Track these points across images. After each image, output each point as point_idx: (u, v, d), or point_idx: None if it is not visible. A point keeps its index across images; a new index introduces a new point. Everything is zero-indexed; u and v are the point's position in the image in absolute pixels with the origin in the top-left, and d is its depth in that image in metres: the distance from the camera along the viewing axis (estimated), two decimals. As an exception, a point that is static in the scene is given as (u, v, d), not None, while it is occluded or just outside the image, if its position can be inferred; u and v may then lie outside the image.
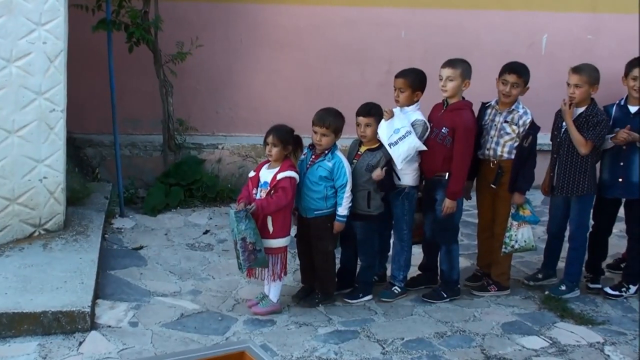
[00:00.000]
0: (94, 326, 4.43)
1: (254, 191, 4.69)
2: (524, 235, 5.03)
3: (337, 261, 5.08)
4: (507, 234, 5.04)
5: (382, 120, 4.77)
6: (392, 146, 4.73)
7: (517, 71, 4.96)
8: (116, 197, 6.44)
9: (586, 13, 7.79)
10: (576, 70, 4.98)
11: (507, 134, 4.97)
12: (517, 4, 7.67)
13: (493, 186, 5.04)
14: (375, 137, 4.83)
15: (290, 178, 4.62)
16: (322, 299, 4.92)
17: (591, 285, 5.33)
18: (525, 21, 7.67)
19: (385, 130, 4.76)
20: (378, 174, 4.75)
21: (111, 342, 4.32)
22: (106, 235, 5.83)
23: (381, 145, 4.82)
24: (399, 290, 5.06)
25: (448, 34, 7.42)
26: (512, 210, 5.02)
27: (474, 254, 5.57)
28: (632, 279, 5.25)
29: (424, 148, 4.80)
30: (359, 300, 5.00)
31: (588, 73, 4.94)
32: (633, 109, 5.04)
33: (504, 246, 5.07)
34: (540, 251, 5.47)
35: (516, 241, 5.03)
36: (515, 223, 5.02)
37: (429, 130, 4.86)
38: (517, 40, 7.56)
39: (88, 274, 4.84)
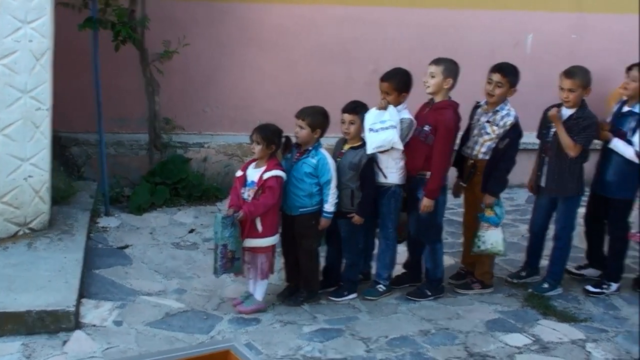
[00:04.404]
0: (78, 325, 4.43)
1: (242, 190, 4.70)
2: (491, 238, 5.00)
3: (322, 259, 5.10)
4: (477, 234, 5.04)
5: (373, 108, 4.78)
6: (371, 131, 4.73)
7: (501, 70, 4.94)
8: (101, 196, 6.42)
9: (571, 13, 7.84)
10: (569, 74, 4.95)
11: (487, 133, 4.98)
12: (502, 4, 7.70)
13: (462, 184, 5.08)
14: (358, 135, 4.85)
15: (277, 177, 4.63)
16: (306, 297, 4.93)
17: (575, 270, 5.41)
18: (510, 21, 7.70)
19: (372, 117, 4.76)
20: (357, 219, 4.82)
21: (96, 341, 4.31)
22: (91, 234, 5.82)
23: (364, 144, 4.83)
24: (384, 288, 5.09)
25: (434, 33, 7.45)
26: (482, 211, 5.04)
27: (458, 252, 5.61)
28: (614, 276, 5.30)
29: (400, 147, 4.78)
30: (343, 299, 5.02)
31: (580, 77, 4.93)
32: (625, 108, 5.11)
33: (472, 245, 5.09)
34: (523, 249, 5.52)
35: (483, 242, 5.03)
36: (485, 224, 5.02)
37: (413, 127, 4.87)
38: (503, 40, 7.59)
39: (73, 273, 4.83)
